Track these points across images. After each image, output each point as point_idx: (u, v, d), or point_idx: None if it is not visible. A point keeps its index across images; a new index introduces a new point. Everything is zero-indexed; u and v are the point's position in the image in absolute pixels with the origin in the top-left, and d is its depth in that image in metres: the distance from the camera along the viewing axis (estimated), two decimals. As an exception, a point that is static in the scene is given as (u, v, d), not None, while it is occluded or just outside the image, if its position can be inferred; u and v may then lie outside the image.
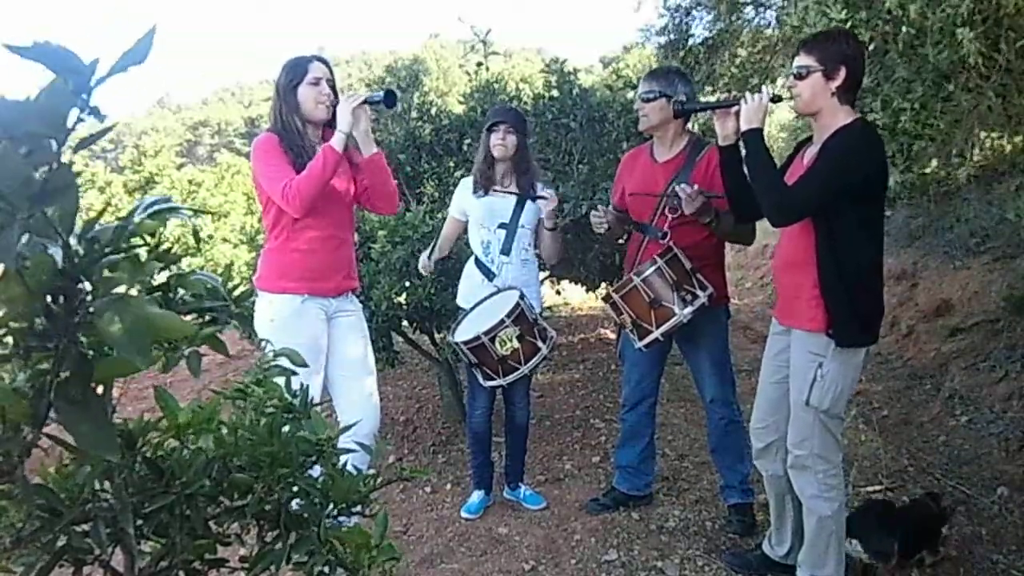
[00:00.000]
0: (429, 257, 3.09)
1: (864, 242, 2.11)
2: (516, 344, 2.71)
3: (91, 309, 0.63)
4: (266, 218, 2.52)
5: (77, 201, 0.64)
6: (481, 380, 2.85)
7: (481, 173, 2.98)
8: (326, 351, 2.55)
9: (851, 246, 2.09)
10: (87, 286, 0.66)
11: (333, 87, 2.51)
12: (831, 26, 2.60)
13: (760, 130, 2.21)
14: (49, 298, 0.64)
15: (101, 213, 0.73)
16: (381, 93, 2.45)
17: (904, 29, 2.59)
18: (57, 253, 0.63)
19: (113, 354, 0.69)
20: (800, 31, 2.77)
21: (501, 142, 2.92)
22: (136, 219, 0.73)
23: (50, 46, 0.63)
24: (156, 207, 0.79)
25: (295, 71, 2.45)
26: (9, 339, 0.68)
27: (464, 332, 2.82)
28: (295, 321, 2.46)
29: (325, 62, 2.51)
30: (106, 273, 0.67)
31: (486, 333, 2.69)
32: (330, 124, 2.54)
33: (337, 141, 2.38)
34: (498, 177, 3.00)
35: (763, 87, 2.26)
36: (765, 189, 2.16)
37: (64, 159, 0.64)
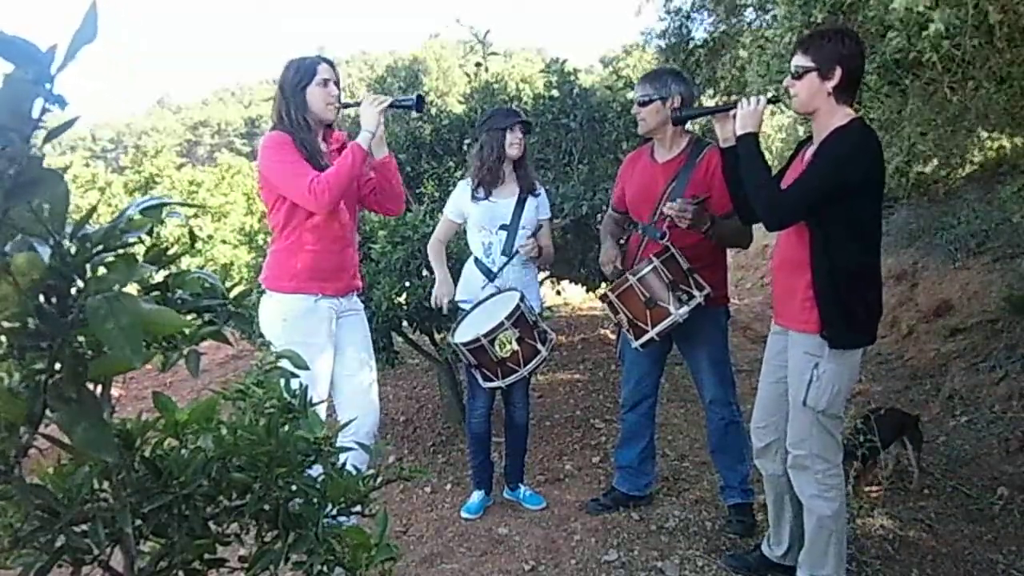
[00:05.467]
0: (446, 299, 2.99)
1: (859, 243, 2.11)
2: (515, 346, 2.71)
3: (84, 307, 0.63)
4: (274, 217, 2.50)
5: (66, 198, 0.63)
6: (480, 381, 2.85)
7: (491, 172, 2.95)
8: (333, 350, 2.56)
9: (846, 247, 2.09)
10: (81, 284, 0.66)
11: (338, 88, 2.53)
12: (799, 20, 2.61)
13: (755, 134, 2.21)
14: (41, 297, 0.64)
15: (92, 211, 0.73)
16: (413, 98, 2.55)
17: (858, 18, 2.60)
18: (46, 251, 0.62)
19: (108, 352, 0.69)
20: (780, 23, 2.78)
21: (519, 141, 2.92)
22: (128, 217, 0.73)
23: (5, 36, 0.61)
24: (149, 203, 0.78)
25: (304, 72, 2.44)
26: (2, 338, 0.67)
27: (464, 333, 2.81)
28: (307, 321, 2.46)
29: (331, 63, 2.52)
30: (99, 271, 0.67)
31: (485, 335, 2.69)
32: (329, 125, 2.55)
33: (364, 140, 2.41)
34: (504, 177, 2.99)
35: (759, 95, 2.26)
36: (758, 193, 2.16)
37: (40, 153, 0.63)
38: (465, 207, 3.02)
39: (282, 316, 2.45)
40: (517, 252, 2.97)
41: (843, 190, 2.04)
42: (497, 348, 2.69)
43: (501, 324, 2.68)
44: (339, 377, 2.60)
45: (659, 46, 6.04)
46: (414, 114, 4.31)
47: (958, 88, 2.80)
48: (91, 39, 0.64)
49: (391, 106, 2.49)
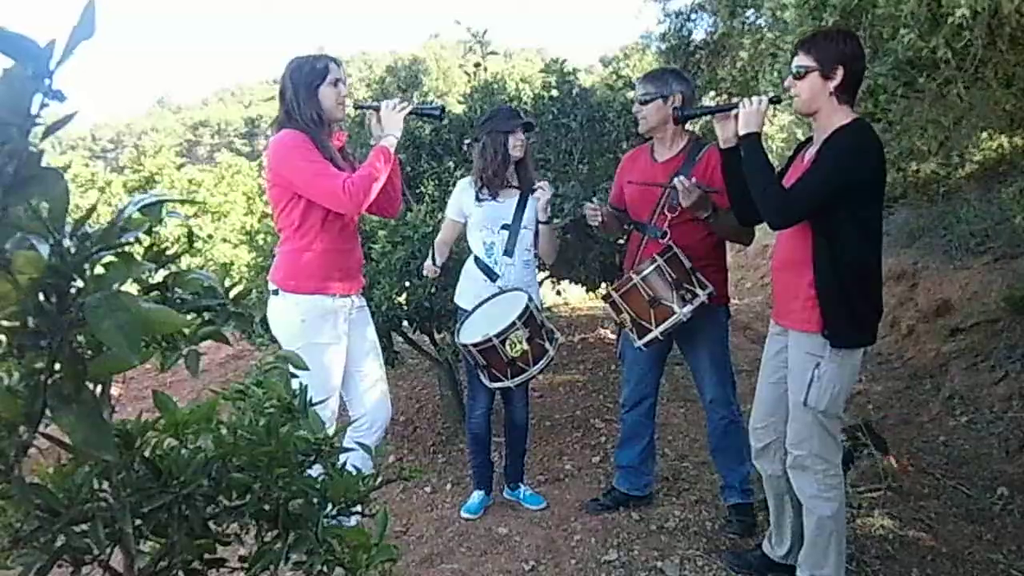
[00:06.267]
0: (435, 263, 3.01)
1: (861, 243, 2.11)
2: (525, 346, 2.70)
3: (83, 306, 0.62)
4: (286, 217, 2.46)
5: (66, 197, 0.63)
6: (487, 382, 2.83)
7: (496, 175, 2.94)
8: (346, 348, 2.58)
9: (848, 247, 2.09)
10: (80, 283, 0.65)
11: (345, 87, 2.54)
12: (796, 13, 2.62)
13: (758, 134, 2.21)
14: (41, 296, 0.64)
15: (91, 210, 0.73)
16: (439, 106, 2.64)
17: (868, 19, 2.60)
18: (45, 250, 0.62)
19: (107, 351, 0.69)
20: (791, 30, 2.79)
21: (521, 143, 2.93)
22: (126, 214, 0.73)
23: (3, 31, 0.61)
24: (148, 200, 0.78)
25: (316, 71, 2.44)
26: (2, 337, 0.67)
27: (472, 334, 2.79)
28: (325, 321, 2.47)
29: (338, 63, 2.52)
30: (98, 270, 0.67)
31: (497, 335, 2.67)
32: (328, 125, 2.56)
33: (391, 144, 2.45)
34: (508, 178, 2.99)
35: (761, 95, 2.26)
36: (763, 193, 2.16)
37: (39, 149, 0.62)
38: (466, 207, 3.02)
39: (301, 317, 2.44)
40: (526, 250, 2.96)
41: (847, 189, 2.04)
42: (508, 348, 2.69)
43: (513, 324, 2.68)
44: (349, 375, 2.61)
45: (659, 48, 6.05)
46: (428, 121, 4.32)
47: (970, 88, 2.80)
48: (89, 35, 0.64)
49: (413, 113, 2.54)
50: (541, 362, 2.74)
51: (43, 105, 0.62)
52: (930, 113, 2.96)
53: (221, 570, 1.01)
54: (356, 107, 2.72)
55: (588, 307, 7.66)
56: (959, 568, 2.64)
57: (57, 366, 0.67)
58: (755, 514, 2.90)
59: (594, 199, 2.85)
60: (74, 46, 0.63)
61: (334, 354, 2.49)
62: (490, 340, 2.68)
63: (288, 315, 2.46)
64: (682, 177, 2.58)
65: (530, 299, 2.77)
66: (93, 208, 0.88)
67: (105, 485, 0.87)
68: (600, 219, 2.82)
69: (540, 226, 2.99)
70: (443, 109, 2.66)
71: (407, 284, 3.60)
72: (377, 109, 2.51)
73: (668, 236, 2.68)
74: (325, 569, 1.00)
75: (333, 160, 2.41)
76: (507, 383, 2.77)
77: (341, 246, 2.51)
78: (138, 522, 0.89)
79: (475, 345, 2.72)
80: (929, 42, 2.44)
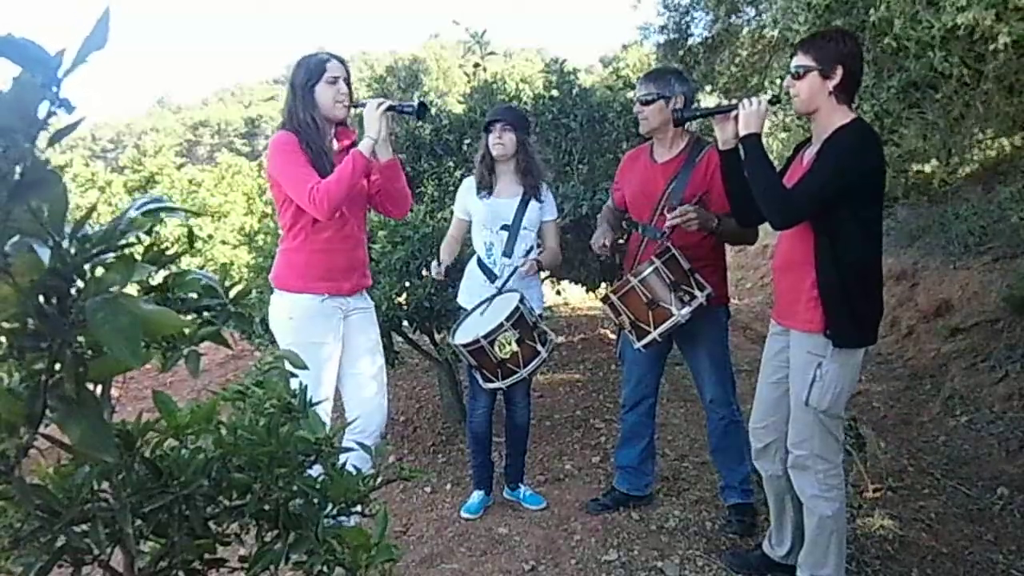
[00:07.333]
0: (439, 264, 2.99)
1: (863, 242, 2.11)
2: (515, 348, 2.70)
3: (84, 308, 0.63)
4: (283, 217, 2.50)
5: (65, 199, 0.63)
6: (481, 382, 2.84)
7: (481, 174, 2.98)
8: (341, 348, 2.57)
9: (849, 247, 2.09)
10: (81, 285, 0.65)
11: (348, 86, 2.51)
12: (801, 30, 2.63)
13: (758, 135, 2.21)
14: (41, 298, 0.64)
15: (91, 211, 0.73)
16: (414, 104, 2.51)
17: (887, 40, 2.61)
18: (46, 252, 0.62)
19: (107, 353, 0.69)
20: (785, 33, 2.81)
21: (499, 141, 2.91)
22: (128, 217, 0.73)
23: (13, 38, 0.61)
24: (149, 206, 0.78)
25: (313, 69, 2.43)
26: (2, 339, 0.67)
27: (464, 335, 2.81)
28: (314, 320, 2.47)
29: (342, 61, 2.51)
30: (99, 272, 0.67)
31: (485, 337, 2.68)
32: (342, 123, 2.55)
33: (365, 147, 2.41)
34: (501, 177, 2.99)
35: (761, 92, 2.27)
36: (765, 193, 2.16)
37: (44, 156, 0.63)
38: (469, 204, 3.03)
39: (289, 315, 2.46)
40: (516, 269, 2.93)
41: (849, 189, 2.05)
42: (497, 349, 2.69)
43: (501, 325, 2.68)
44: (346, 376, 2.61)
45: (657, 42, 6.03)
46: (424, 121, 4.27)
47: (974, 100, 2.82)
48: (101, 46, 0.64)
49: (391, 109, 2.47)
50: (532, 364, 2.74)
51: (51, 113, 0.62)
52: (934, 116, 2.97)
53: (221, 570, 1.01)
54: (350, 105, 2.71)
55: (588, 307, 7.66)
56: (959, 568, 2.64)
57: (57, 367, 0.67)
58: (755, 514, 2.90)
59: (604, 242, 2.82)
60: (86, 55, 0.64)
61: (323, 355, 2.47)
62: (478, 341, 2.69)
63: (280, 313, 2.49)
64: (670, 214, 2.58)
65: (522, 301, 2.76)
66: (92, 209, 0.88)
67: (105, 485, 0.87)
68: (608, 249, 2.81)
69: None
70: (424, 106, 2.53)
71: (407, 284, 3.61)
72: (365, 107, 2.49)
73: (668, 237, 2.68)
74: (325, 569, 1.00)
75: (318, 163, 2.38)
76: (498, 384, 2.78)
77: (336, 246, 2.49)
78: (138, 522, 0.89)
79: (465, 346, 2.74)
80: (950, 61, 2.46)
